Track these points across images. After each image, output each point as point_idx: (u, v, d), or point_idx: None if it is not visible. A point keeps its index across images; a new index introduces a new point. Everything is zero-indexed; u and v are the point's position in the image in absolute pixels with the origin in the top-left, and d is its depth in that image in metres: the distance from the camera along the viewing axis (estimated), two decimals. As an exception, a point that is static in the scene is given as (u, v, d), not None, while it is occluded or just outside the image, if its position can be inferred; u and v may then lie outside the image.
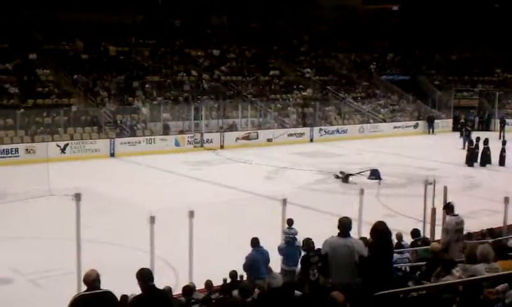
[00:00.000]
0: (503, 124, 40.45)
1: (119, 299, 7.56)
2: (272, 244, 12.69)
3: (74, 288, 9.64)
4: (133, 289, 7.26)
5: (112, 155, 31.37)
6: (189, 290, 10.32)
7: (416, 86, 49.56)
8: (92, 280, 6.76)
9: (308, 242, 11.33)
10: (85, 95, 35.76)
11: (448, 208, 11.62)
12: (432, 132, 42.77)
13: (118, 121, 33.82)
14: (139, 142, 32.72)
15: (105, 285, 6.93)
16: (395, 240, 11.71)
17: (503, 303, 6.13)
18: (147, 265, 9.19)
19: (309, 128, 39.20)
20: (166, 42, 43.96)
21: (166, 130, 34.70)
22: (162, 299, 7.20)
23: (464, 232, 12.02)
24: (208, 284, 11.22)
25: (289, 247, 12.59)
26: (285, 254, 12.63)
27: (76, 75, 36.93)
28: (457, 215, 11.38)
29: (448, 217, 11.69)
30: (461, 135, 37.15)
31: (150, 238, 11.51)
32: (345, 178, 25.31)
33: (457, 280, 7.17)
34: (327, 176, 26.67)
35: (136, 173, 27.65)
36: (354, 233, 9.66)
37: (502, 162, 29.27)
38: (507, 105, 47.63)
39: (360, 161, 28.57)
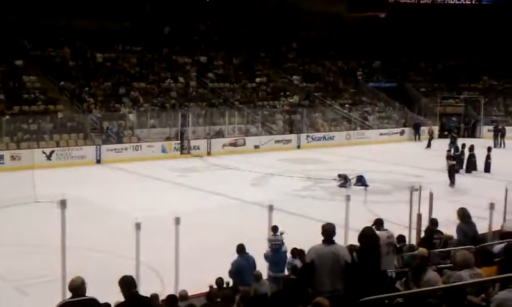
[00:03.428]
0: (496, 132, 40.65)
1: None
2: (258, 250, 12.70)
3: (59, 295, 9.59)
4: (118, 296, 7.24)
5: (98, 161, 31.25)
6: (174, 298, 10.27)
7: (402, 93, 49.85)
8: (77, 287, 6.74)
9: None
10: (71, 102, 35.63)
11: (378, 223, 11.81)
12: (419, 138, 42.96)
13: (105, 128, 33.73)
14: (126, 149, 32.63)
15: (90, 292, 6.91)
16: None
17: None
18: (133, 272, 9.17)
19: (296, 134, 39.29)
20: (153, 49, 43.90)
21: (182, 135, 34.73)
22: (145, 305, 7.18)
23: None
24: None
25: (276, 253, 12.61)
26: (271, 261, 12.65)
27: (62, 82, 36.77)
28: (386, 229, 11.64)
29: (379, 232, 11.92)
30: (429, 145, 38.72)
31: (136, 245, 11.48)
32: (344, 181, 25.48)
33: (443, 286, 7.21)
34: (314, 182, 26.75)
35: (122, 179, 27.55)
36: (340, 239, 9.72)
37: (487, 168, 29.44)
38: (493, 112, 48.01)
39: (346, 168, 28.59)
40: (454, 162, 26.43)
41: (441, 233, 13.31)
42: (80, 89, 36.75)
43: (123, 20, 44.22)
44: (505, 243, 10.22)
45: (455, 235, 12.86)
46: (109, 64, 40.66)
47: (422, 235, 14.24)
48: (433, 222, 13.65)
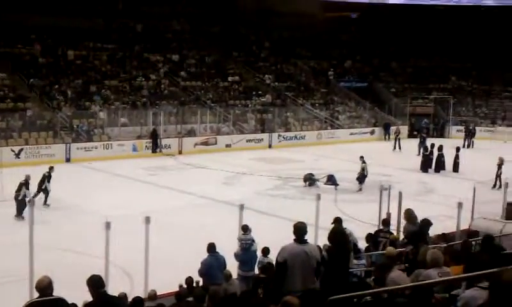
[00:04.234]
0: (468, 132, 41.09)
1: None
2: (229, 249, 12.70)
3: (26, 294, 9.48)
4: (87, 296, 7.19)
5: (68, 160, 30.93)
6: (140, 301, 10.21)
7: (373, 93, 50.19)
8: (44, 287, 6.66)
9: None
10: (41, 99, 35.22)
11: (337, 221, 12.00)
12: (388, 138, 43.21)
13: (74, 126, 33.40)
14: (96, 148, 32.34)
15: (58, 292, 6.84)
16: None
17: (455, 306, 6.24)
18: (102, 272, 9.12)
19: (268, 134, 39.37)
20: (125, 47, 43.58)
21: (156, 135, 34.24)
22: (113, 305, 7.13)
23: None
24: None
25: (245, 253, 12.64)
26: (241, 260, 12.68)
27: (32, 79, 36.33)
28: (345, 228, 11.87)
29: None
30: (394, 147, 37.96)
31: (105, 244, 11.41)
32: (312, 181, 25.60)
33: (411, 284, 7.28)
34: (285, 181, 26.83)
35: (92, 178, 27.31)
36: (311, 238, 9.77)
37: (455, 168, 29.83)
38: (462, 112, 48.64)
39: (317, 167, 28.74)
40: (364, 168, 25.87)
41: (391, 233, 13.68)
42: (50, 86, 36.35)
43: (95, 17, 43.79)
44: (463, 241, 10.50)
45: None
46: (80, 62, 40.27)
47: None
48: (384, 223, 14.06)
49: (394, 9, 54.75)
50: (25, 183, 20.04)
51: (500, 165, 25.65)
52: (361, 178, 25.51)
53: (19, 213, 19.28)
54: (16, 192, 19.79)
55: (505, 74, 52.12)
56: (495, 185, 24.86)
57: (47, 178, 21.42)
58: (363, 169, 25.73)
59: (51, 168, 21.98)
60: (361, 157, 26.30)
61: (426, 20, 53.61)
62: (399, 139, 38.86)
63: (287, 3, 50.48)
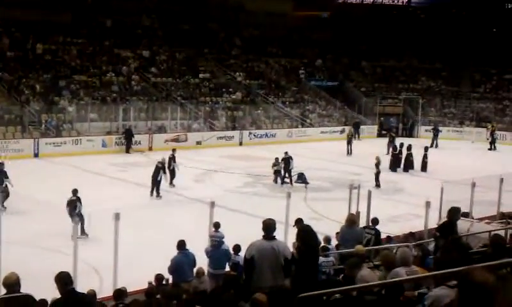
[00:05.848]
0: (436, 132, 41.47)
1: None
2: (199, 246, 12.68)
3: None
4: (55, 293, 7.12)
5: (36, 155, 30.56)
6: (120, 293, 10.18)
7: (343, 92, 50.53)
8: (12, 283, 6.59)
9: None
10: (9, 93, 34.73)
11: (298, 222, 12.11)
12: (358, 137, 43.48)
13: (43, 121, 32.99)
14: (65, 143, 32.03)
15: (26, 289, 6.77)
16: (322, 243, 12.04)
17: (423, 305, 6.30)
18: (70, 269, 9.04)
19: (238, 131, 39.36)
20: (95, 41, 43.15)
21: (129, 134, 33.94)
22: (81, 302, 7.06)
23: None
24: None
25: (215, 250, 12.62)
26: (211, 257, 12.66)
27: (0, 73, 35.78)
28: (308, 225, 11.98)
29: None
30: (348, 151, 36.12)
31: (74, 241, 11.29)
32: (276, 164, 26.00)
33: (380, 282, 7.34)
34: (255, 179, 26.87)
35: (60, 174, 26.99)
36: (281, 235, 9.81)
37: (423, 167, 30.18)
38: (430, 112, 49.20)
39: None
40: (276, 168, 26.15)
41: (376, 230, 13.64)
42: (18, 80, 35.85)
43: (63, 11, 43.25)
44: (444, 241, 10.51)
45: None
46: (49, 56, 39.76)
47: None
48: (373, 222, 14.09)
49: (364, 9, 55.14)
50: (162, 167, 22.43)
51: (377, 165, 26.00)
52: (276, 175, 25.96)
53: (157, 193, 22.17)
54: (153, 174, 22.18)
55: (474, 75, 52.95)
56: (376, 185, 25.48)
57: (172, 159, 24.07)
58: (277, 171, 26.00)
59: (174, 150, 25.03)
60: (286, 153, 26.61)
61: (396, 20, 54.13)
62: (351, 143, 36.70)
63: (257, 1, 50.54)
